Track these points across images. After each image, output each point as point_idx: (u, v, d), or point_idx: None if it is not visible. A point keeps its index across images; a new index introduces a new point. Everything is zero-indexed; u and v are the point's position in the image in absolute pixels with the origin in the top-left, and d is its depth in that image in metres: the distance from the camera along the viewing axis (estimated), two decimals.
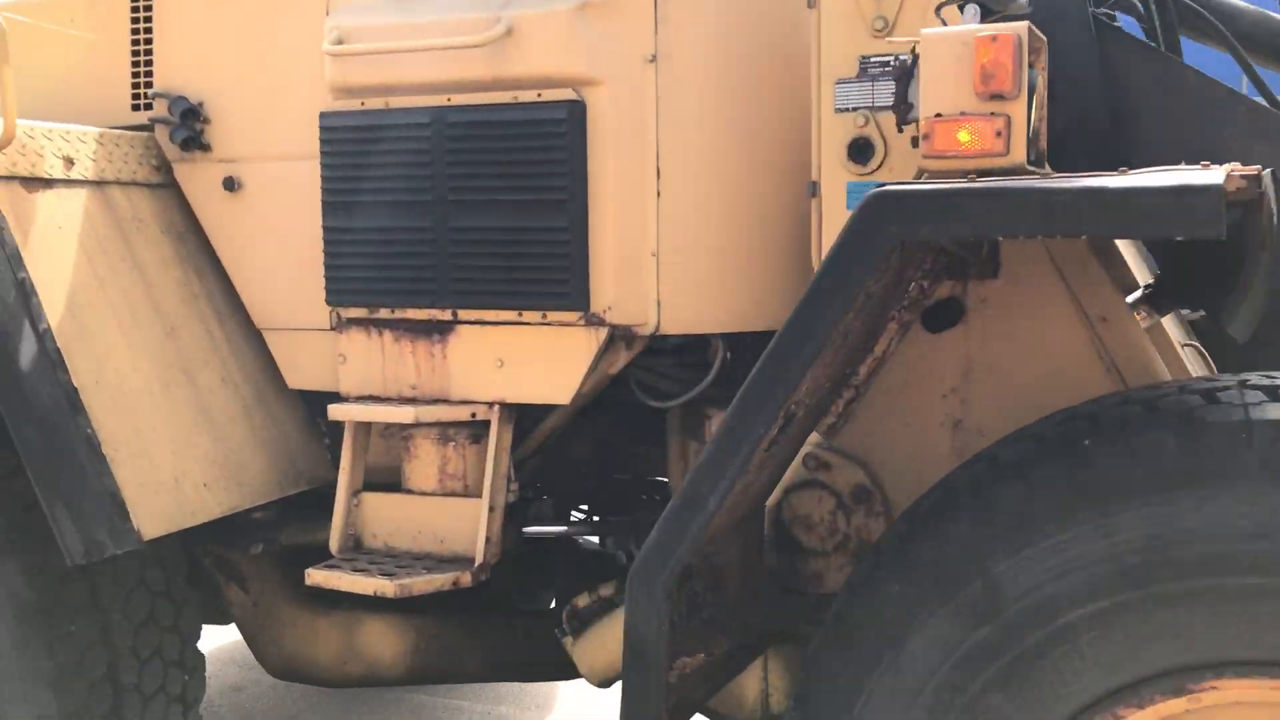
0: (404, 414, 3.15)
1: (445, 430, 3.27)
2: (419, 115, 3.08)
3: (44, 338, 2.87)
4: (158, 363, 3.18)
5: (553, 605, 4.28)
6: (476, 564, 3.12)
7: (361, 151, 3.16)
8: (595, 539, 4.17)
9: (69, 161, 3.20)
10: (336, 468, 3.56)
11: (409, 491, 3.32)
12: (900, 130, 2.43)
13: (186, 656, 3.44)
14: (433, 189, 3.09)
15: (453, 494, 3.28)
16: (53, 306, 2.95)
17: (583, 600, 3.38)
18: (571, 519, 4.04)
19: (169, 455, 3.08)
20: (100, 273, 3.15)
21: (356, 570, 3.10)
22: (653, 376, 3.31)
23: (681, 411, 3.44)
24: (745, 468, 1.99)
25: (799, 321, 1.98)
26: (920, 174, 2.40)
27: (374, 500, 3.31)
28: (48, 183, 3.13)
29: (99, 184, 3.29)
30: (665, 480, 4.00)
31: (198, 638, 3.57)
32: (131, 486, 2.91)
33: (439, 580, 3.07)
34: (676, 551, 2.04)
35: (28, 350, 2.83)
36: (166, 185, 3.51)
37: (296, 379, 3.45)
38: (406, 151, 3.11)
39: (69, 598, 3.09)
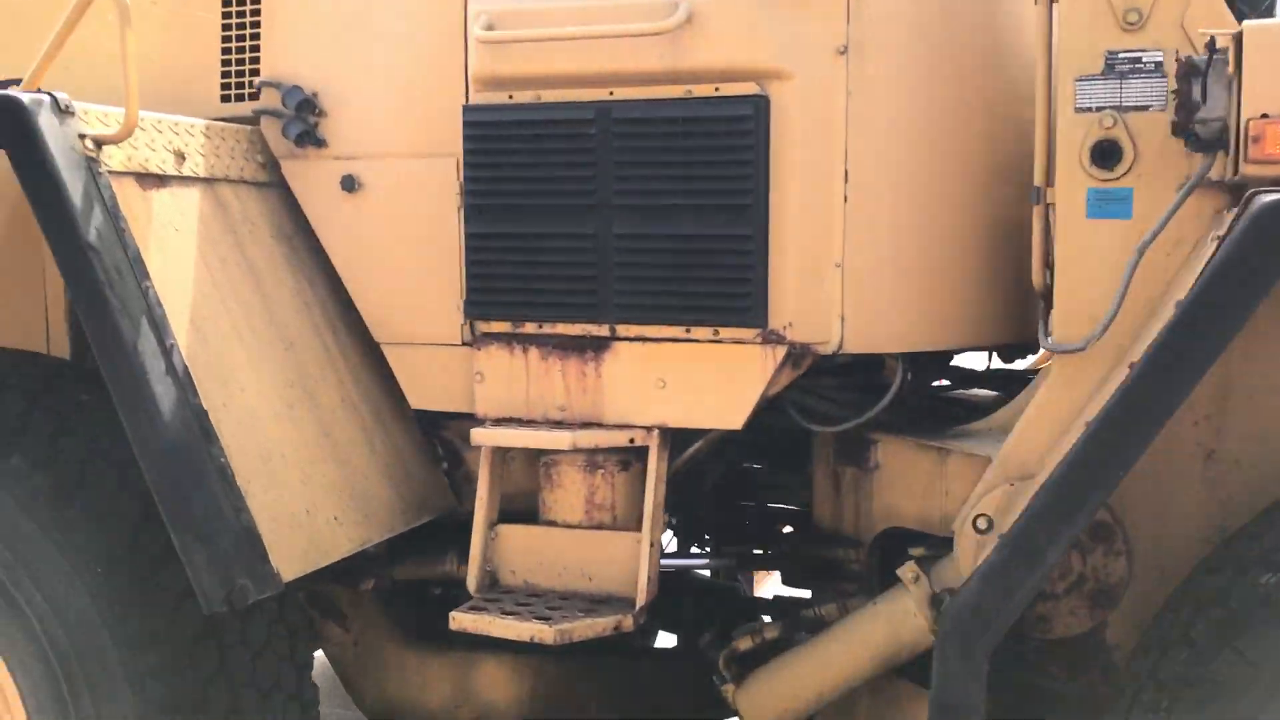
0: (558, 439, 2.85)
1: (593, 457, 2.98)
2: (582, 110, 2.79)
3: (171, 355, 2.54)
4: (279, 381, 2.86)
5: (669, 642, 4.00)
6: (638, 605, 2.83)
7: (512, 150, 2.86)
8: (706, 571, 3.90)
9: (180, 156, 2.87)
10: (455, 495, 3.27)
11: (551, 523, 3.02)
12: (1182, 134, 2.18)
13: (297, 652, 3.10)
14: (596, 192, 2.80)
15: (600, 526, 2.99)
16: (176, 319, 2.62)
17: (744, 643, 3.10)
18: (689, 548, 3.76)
19: (299, 485, 2.75)
20: (218, 281, 2.82)
21: (506, 613, 2.80)
22: (813, 398, 3.03)
23: (835, 435, 3.18)
24: (1092, 516, 1.72)
25: (1173, 350, 1.73)
26: (1196, 179, 2.16)
27: (512, 533, 3.01)
28: (161, 180, 2.80)
29: (209, 181, 2.96)
30: (796, 508, 3.74)
31: (310, 640, 3.24)
32: (266, 522, 2.58)
33: (600, 625, 2.77)
34: (1004, 613, 1.77)
35: (155, 370, 2.50)
36: (272, 184, 3.19)
37: (420, 398, 3.13)
38: (566, 150, 2.81)
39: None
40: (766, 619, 3.70)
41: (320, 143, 3.12)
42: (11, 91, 2.53)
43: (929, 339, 2.89)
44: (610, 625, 2.78)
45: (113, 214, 2.56)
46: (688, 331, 2.81)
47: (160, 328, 2.55)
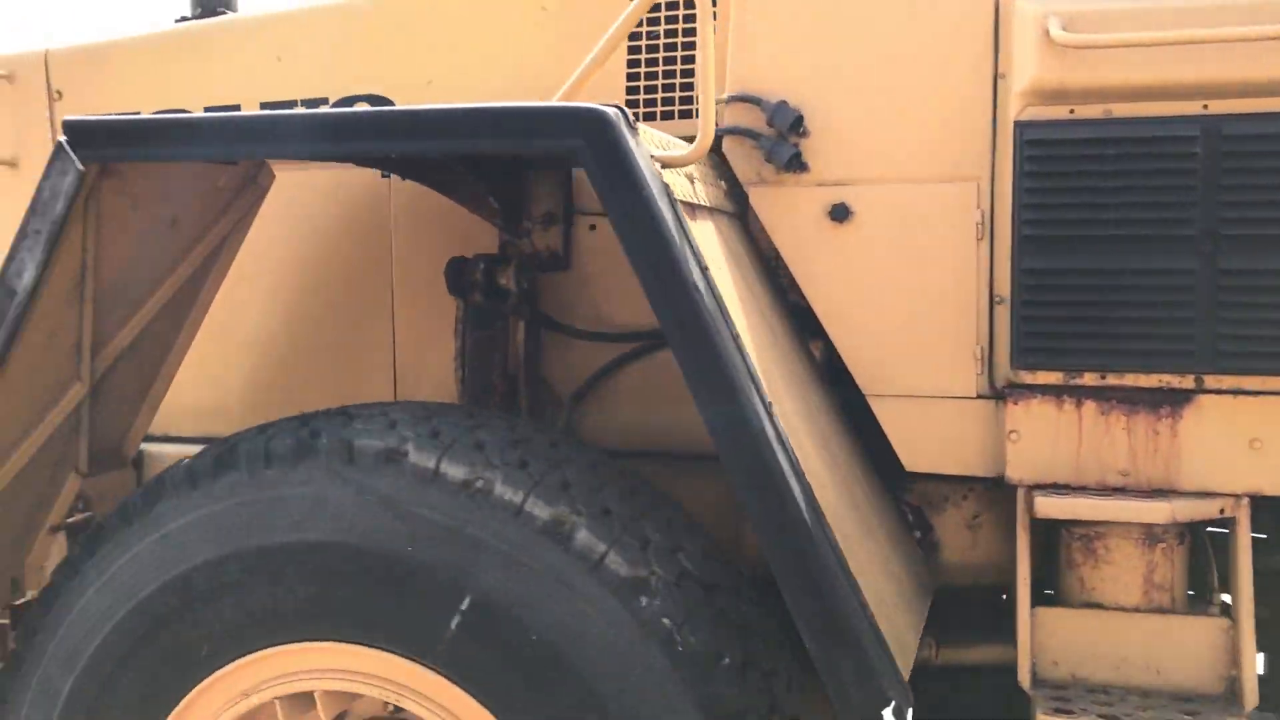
0: (1156, 511, 2.43)
1: (1151, 529, 2.57)
2: (1183, 127, 2.39)
3: (773, 417, 2.12)
4: (816, 443, 2.43)
5: None
6: (1247, 708, 2.42)
7: (1084, 172, 2.46)
8: None
9: (691, 181, 2.45)
10: (929, 570, 2.85)
11: (1094, 605, 2.60)
12: None
13: None
14: (1196, 221, 2.40)
15: (1160, 610, 2.57)
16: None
17: None
18: None
19: (866, 568, 2.32)
20: (750, 326, 2.40)
21: (1102, 718, 2.37)
22: None
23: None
24: None
25: None
26: None
27: (1050, 617, 2.58)
28: (692, 209, 2.38)
29: (710, 210, 2.54)
30: None
31: None
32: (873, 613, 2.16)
33: None
34: None
35: (770, 437, 2.07)
36: (737, 214, 2.77)
37: (918, 459, 2.70)
38: (1159, 173, 2.41)
39: None
40: None
41: (803, 167, 2.71)
42: (591, 104, 2.11)
43: None
44: None
45: (695, 250, 2.14)
46: None
47: (758, 385, 2.12)
